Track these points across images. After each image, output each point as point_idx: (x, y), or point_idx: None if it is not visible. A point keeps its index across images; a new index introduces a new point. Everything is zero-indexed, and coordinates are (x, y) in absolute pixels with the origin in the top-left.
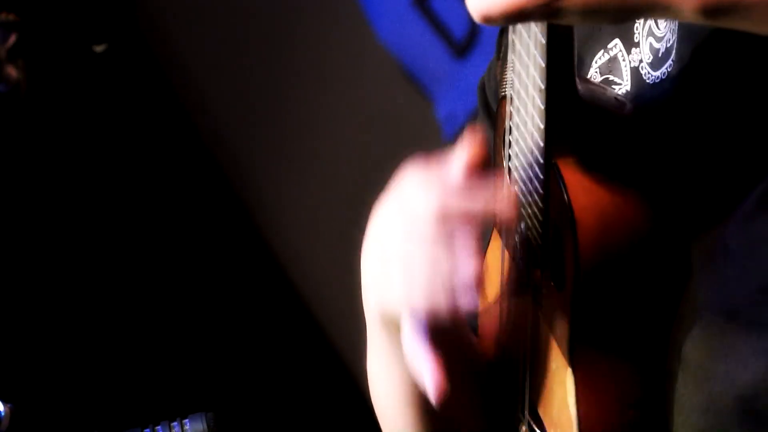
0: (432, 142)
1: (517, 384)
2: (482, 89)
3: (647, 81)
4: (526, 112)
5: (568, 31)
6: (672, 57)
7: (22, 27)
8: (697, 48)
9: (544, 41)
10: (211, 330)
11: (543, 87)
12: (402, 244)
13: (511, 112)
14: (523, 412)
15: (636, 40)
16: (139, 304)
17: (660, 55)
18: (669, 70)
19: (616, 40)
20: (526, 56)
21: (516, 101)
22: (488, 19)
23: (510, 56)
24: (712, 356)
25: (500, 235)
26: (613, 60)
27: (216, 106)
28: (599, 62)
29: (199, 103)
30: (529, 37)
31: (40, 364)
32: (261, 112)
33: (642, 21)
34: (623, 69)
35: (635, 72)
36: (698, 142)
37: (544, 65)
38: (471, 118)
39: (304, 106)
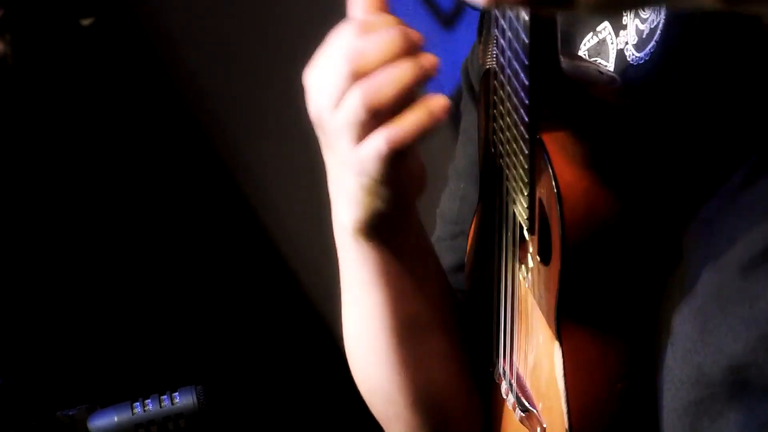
0: None
1: (497, 338)
2: (465, 72)
3: (631, 62)
4: (510, 86)
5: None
6: (655, 38)
7: (8, 1)
8: (681, 29)
9: (527, 16)
10: (201, 303)
11: (527, 63)
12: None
13: (495, 86)
14: (505, 374)
15: (624, 23)
16: (129, 279)
17: (644, 36)
18: (651, 51)
19: (605, 23)
20: (510, 30)
21: (500, 75)
22: (500, 3)
23: (493, 30)
24: (701, 328)
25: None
26: (602, 43)
27: (206, 79)
28: (588, 45)
29: (189, 76)
30: (510, 30)
31: (30, 338)
32: (250, 85)
33: None
34: (610, 51)
35: (620, 54)
36: (681, 120)
37: (527, 41)
38: (454, 98)
39: (290, 77)
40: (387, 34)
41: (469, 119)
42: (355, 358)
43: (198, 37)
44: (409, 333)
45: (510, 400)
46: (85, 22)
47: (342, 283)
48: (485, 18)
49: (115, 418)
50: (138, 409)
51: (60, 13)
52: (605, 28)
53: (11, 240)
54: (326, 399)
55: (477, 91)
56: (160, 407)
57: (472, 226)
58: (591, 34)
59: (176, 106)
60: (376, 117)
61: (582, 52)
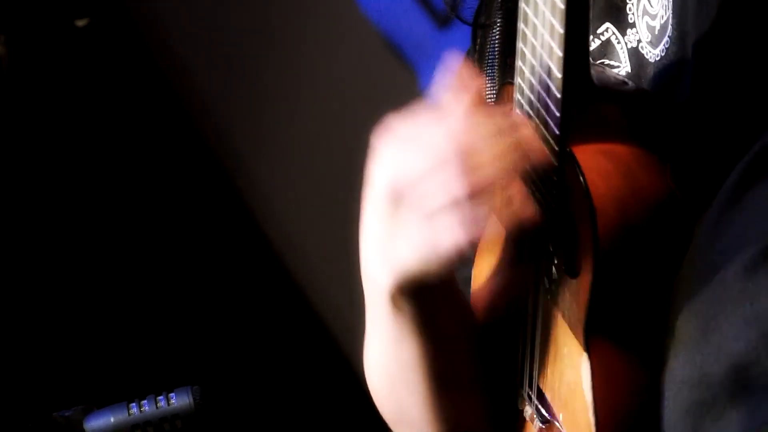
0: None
1: (518, 361)
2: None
3: (648, 59)
4: (539, 100)
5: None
6: (668, 33)
7: (3, 2)
8: (693, 22)
9: (562, 30)
10: (197, 304)
11: (560, 76)
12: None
13: (519, 101)
14: (525, 390)
15: (631, 21)
16: (126, 280)
17: (657, 33)
18: (667, 47)
19: (607, 24)
20: (541, 46)
21: (526, 91)
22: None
23: (518, 44)
24: (703, 328)
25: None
26: (607, 44)
27: (201, 79)
28: (590, 49)
29: (184, 76)
30: (544, 28)
31: (26, 339)
32: (245, 85)
33: (635, 1)
34: (619, 51)
35: (635, 52)
36: (703, 115)
37: (561, 54)
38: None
39: (286, 77)
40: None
41: None
42: (381, 392)
43: (193, 37)
44: (443, 377)
45: (528, 411)
46: (80, 23)
47: (369, 325)
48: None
49: (112, 419)
50: (134, 409)
51: (55, 14)
52: (607, 29)
53: (7, 240)
54: (323, 399)
55: None
56: (157, 408)
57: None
58: (591, 37)
59: (171, 107)
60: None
61: None
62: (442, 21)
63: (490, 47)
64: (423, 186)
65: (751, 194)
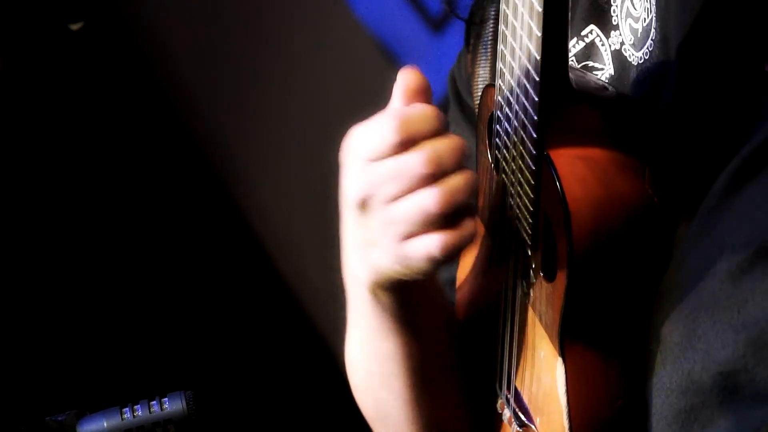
0: None
1: (496, 361)
2: (453, 81)
3: (631, 62)
4: (518, 103)
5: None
6: (651, 36)
7: None
8: (675, 25)
9: (539, 33)
10: (191, 309)
11: (538, 80)
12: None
13: (499, 102)
14: (503, 392)
15: (615, 23)
16: (120, 285)
17: (639, 35)
18: (650, 49)
19: (591, 26)
20: (520, 49)
21: (505, 92)
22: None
23: (499, 46)
24: (690, 335)
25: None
26: (591, 46)
27: (196, 84)
28: (574, 51)
29: (178, 81)
30: (522, 29)
31: (19, 343)
32: (238, 87)
33: (620, 2)
34: (603, 53)
35: (618, 54)
36: (681, 120)
37: (538, 58)
38: (441, 106)
39: (279, 80)
40: (456, 138)
41: (457, 130)
42: (361, 388)
43: (187, 41)
44: (422, 373)
45: (506, 414)
46: (74, 26)
47: (351, 320)
48: (473, 26)
49: (105, 424)
50: (127, 414)
51: (49, 18)
52: (591, 31)
53: (3, 246)
54: (316, 404)
55: (466, 100)
56: (150, 413)
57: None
58: (576, 39)
59: (165, 111)
60: (441, 221)
61: (569, 57)
62: (436, 25)
63: (482, 46)
64: (386, 198)
65: (737, 200)
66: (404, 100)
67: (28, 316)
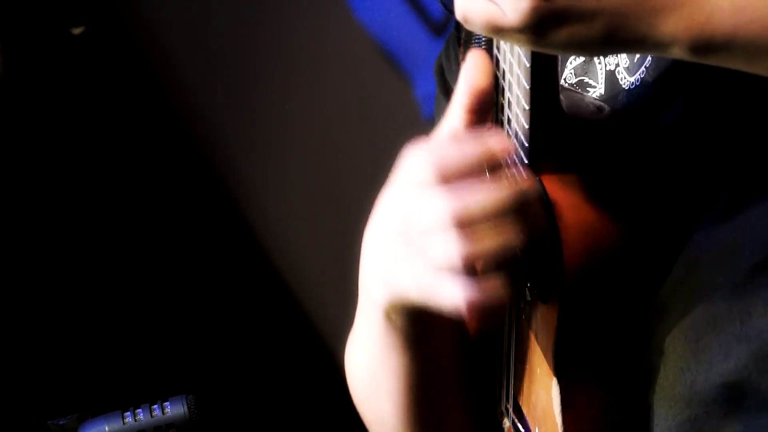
0: (412, 121)
1: (499, 378)
2: (440, 72)
3: (623, 86)
4: (510, 128)
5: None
6: (645, 63)
7: None
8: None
9: (528, 64)
10: (192, 313)
11: (527, 107)
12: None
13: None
14: (506, 406)
15: None
16: (119, 288)
17: (635, 60)
18: (642, 76)
19: None
20: (510, 74)
21: (499, 115)
22: (467, 22)
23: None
24: (693, 347)
25: None
26: (589, 62)
27: (197, 88)
28: (574, 63)
29: (179, 85)
30: (512, 56)
31: (21, 347)
32: (239, 92)
33: None
34: (598, 72)
35: (610, 76)
36: (677, 145)
37: (528, 87)
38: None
39: (281, 86)
40: (504, 189)
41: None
42: (363, 396)
43: (189, 45)
44: (427, 391)
45: (506, 423)
46: (76, 31)
47: (358, 327)
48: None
49: (106, 428)
50: (129, 418)
51: (51, 22)
52: None
53: (4, 249)
54: (317, 409)
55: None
56: (151, 417)
57: None
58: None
59: (166, 114)
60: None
61: (568, 71)
62: (437, 30)
63: (476, 37)
64: (432, 233)
65: (740, 212)
66: (463, 119)
67: (30, 320)
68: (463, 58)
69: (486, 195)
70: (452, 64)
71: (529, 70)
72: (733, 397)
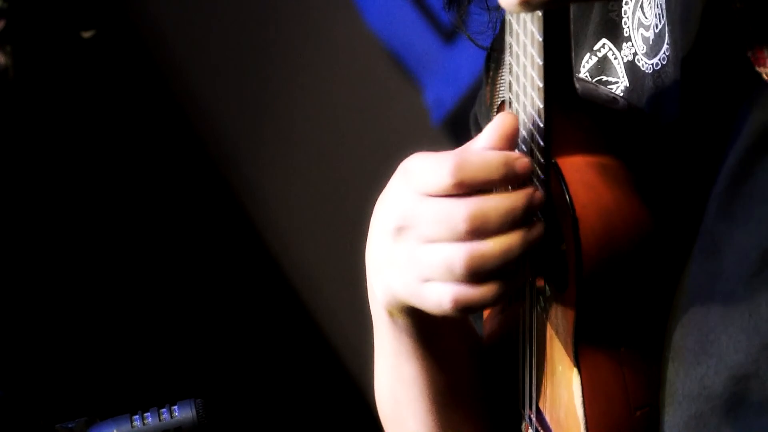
0: (421, 127)
1: (519, 383)
2: (475, 121)
3: (645, 71)
4: (525, 113)
5: (565, 27)
6: (666, 41)
7: (9, 13)
8: (690, 30)
9: (540, 39)
10: (201, 317)
11: (541, 85)
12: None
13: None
14: (525, 410)
15: (626, 35)
16: (128, 291)
17: (652, 43)
18: (667, 54)
19: (603, 41)
20: (524, 55)
21: (514, 103)
22: (528, 4)
23: (506, 57)
24: (703, 340)
25: None
26: (603, 60)
27: (205, 92)
28: (588, 66)
29: (188, 89)
30: (525, 35)
31: (29, 350)
32: (249, 97)
33: (630, 14)
34: (616, 66)
35: (630, 65)
36: (697, 126)
37: (541, 63)
38: (458, 106)
39: (292, 91)
40: (510, 200)
41: None
42: (387, 412)
43: (198, 49)
44: (445, 399)
45: (527, 429)
46: (86, 34)
47: (376, 345)
48: (492, 55)
49: (114, 431)
50: (137, 422)
51: (61, 26)
52: (603, 45)
53: (11, 251)
54: (326, 413)
55: None
56: (159, 420)
57: None
58: (588, 54)
59: (176, 118)
60: (465, 278)
61: (582, 73)
62: (447, 36)
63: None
64: (420, 237)
65: (742, 204)
66: (491, 142)
67: (38, 324)
68: (491, 100)
69: (498, 203)
70: (483, 109)
71: (542, 44)
72: (739, 392)
